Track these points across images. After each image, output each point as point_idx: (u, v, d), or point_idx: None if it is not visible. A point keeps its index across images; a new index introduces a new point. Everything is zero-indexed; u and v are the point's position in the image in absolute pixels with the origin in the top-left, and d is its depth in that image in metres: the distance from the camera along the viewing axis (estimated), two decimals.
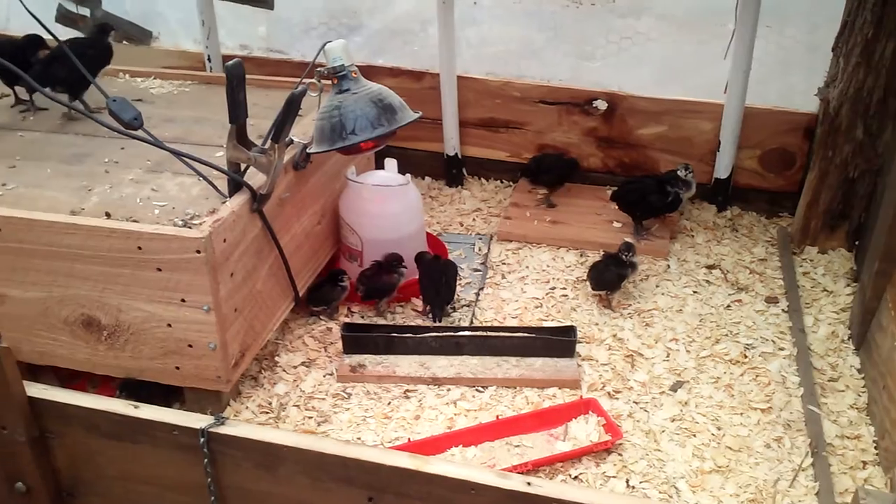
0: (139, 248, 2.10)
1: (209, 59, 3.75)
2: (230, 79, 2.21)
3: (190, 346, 2.21)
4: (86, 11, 3.91)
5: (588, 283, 2.91)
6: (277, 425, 2.36)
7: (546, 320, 2.84)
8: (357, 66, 3.46)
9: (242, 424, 1.41)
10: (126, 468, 1.47)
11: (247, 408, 2.42)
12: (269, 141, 2.28)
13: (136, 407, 1.42)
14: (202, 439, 1.38)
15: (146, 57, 3.80)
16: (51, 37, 2.74)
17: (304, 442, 1.38)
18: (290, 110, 2.24)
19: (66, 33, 4.02)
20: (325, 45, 2.52)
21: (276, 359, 2.63)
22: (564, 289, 3.01)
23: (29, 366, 2.36)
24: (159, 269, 2.12)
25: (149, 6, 4.02)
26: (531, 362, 2.59)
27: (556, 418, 2.37)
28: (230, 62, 2.22)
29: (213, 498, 1.43)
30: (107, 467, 1.48)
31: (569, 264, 3.16)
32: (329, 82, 2.53)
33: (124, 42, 3.93)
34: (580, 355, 2.64)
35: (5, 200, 2.29)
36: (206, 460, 1.40)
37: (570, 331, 2.65)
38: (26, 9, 2.60)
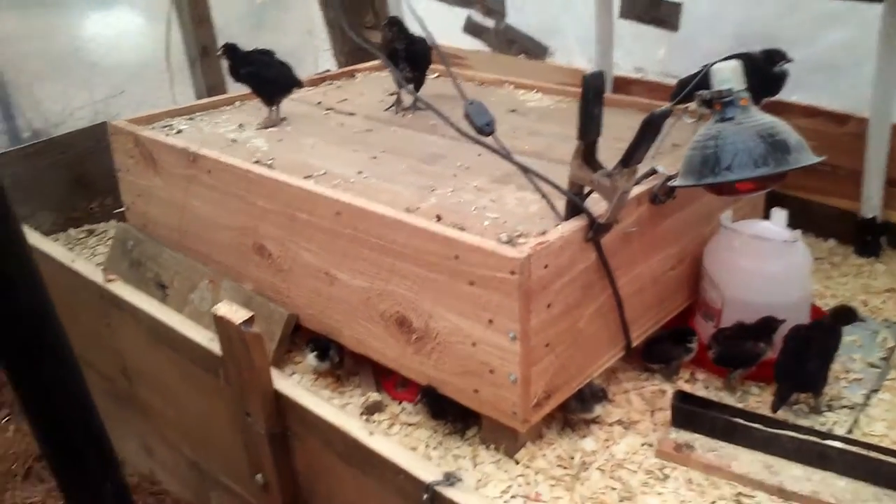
0: (456, 256, 1.93)
1: None
2: (586, 90, 1.93)
3: (491, 371, 1.98)
4: (490, 23, 3.99)
5: None
6: (573, 486, 2.01)
7: None
8: (766, 101, 2.99)
9: (474, 495, 1.10)
10: (355, 496, 1.28)
11: (544, 455, 2.11)
12: (619, 165, 1.95)
13: (370, 434, 1.20)
14: (425, 496, 1.11)
15: (537, 71, 3.72)
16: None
17: None
18: (647, 133, 1.88)
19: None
20: (712, 64, 2.10)
21: None
22: None
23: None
24: (472, 283, 1.92)
25: (550, 21, 3.96)
26: None
27: None
28: (590, 72, 1.94)
29: None
30: (337, 488, 1.30)
31: None
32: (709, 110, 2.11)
33: (522, 55, 3.92)
34: None
35: (354, 187, 2.31)
36: None
37: None
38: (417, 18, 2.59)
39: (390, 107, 3.05)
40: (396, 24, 3.02)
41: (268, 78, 2.80)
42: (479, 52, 4.10)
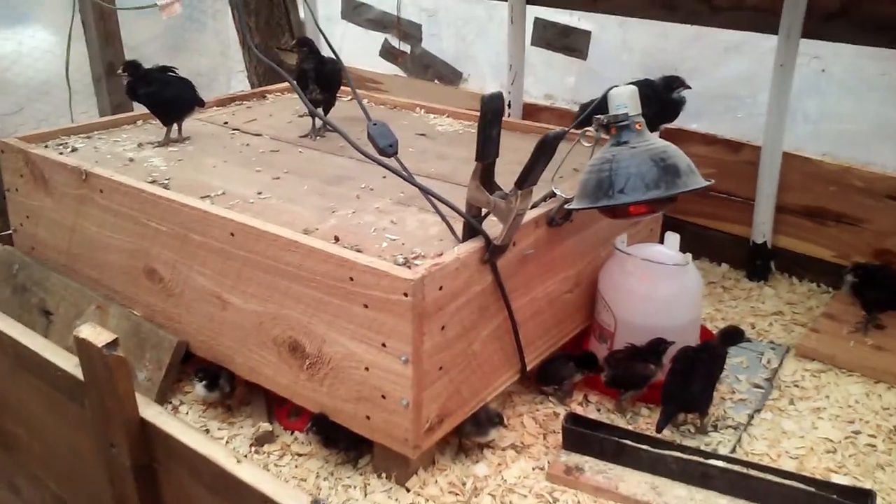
0: (351, 278, 1.92)
1: (509, 105, 3.60)
2: (484, 112, 1.96)
3: (383, 396, 1.97)
4: (406, 48, 4.01)
5: None
6: None
7: (836, 473, 2.14)
8: (666, 128, 3.09)
9: None
10: None
11: (436, 482, 2.10)
12: (514, 187, 1.98)
13: (237, 461, 1.17)
14: None
15: (450, 96, 3.77)
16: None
17: None
18: (542, 154, 1.91)
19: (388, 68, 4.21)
20: (609, 89, 2.17)
21: None
22: (873, 437, 2.27)
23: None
24: (366, 306, 1.92)
25: (465, 47, 4.01)
26: None
27: None
28: (489, 94, 1.97)
29: None
30: None
31: (887, 406, 2.39)
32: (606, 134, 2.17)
33: (435, 80, 3.95)
34: None
35: (251, 208, 2.28)
36: None
37: (866, 496, 1.94)
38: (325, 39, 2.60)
39: (306, 134, 3.00)
40: (306, 45, 3.01)
41: (167, 98, 2.74)
42: (395, 77, 4.13)
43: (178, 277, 2.31)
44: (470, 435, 2.19)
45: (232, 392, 2.33)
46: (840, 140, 3.06)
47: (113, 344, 1.20)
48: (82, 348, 1.23)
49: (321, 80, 2.96)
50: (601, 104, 2.24)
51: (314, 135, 3.00)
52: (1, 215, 2.91)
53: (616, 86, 2.18)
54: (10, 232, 2.82)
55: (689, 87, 2.83)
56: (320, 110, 2.92)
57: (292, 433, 2.27)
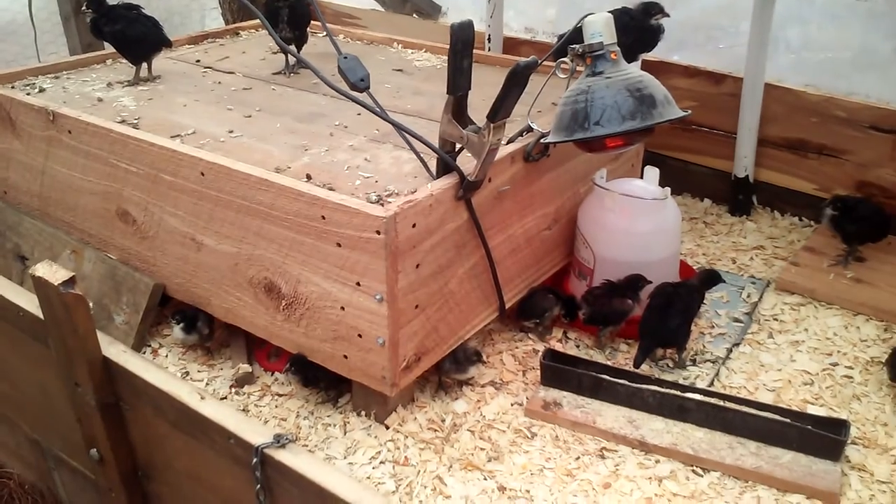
0: (323, 217, 1.89)
1: (489, 40, 3.52)
2: (454, 42, 1.90)
3: (359, 335, 1.96)
4: None
5: (886, 370, 2.18)
6: (443, 449, 2.03)
7: (813, 404, 2.16)
8: (647, 60, 3.03)
9: (305, 454, 1.09)
10: (192, 465, 1.24)
11: (415, 419, 2.12)
12: (486, 120, 1.94)
13: (201, 398, 1.16)
14: (255, 459, 1.09)
15: (429, 31, 3.68)
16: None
17: (370, 501, 1.01)
18: (513, 85, 1.86)
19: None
20: (584, 17, 2.10)
21: None
22: (850, 368, 2.28)
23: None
24: (339, 245, 1.89)
25: None
26: (776, 454, 1.97)
27: None
28: (459, 22, 1.91)
29: None
30: (175, 459, 1.26)
31: (865, 338, 2.41)
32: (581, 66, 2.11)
33: (414, 14, 3.86)
34: (849, 461, 1.96)
35: (222, 147, 2.23)
36: (258, 486, 1.10)
37: (840, 426, 1.96)
38: None
39: (279, 72, 2.93)
40: None
41: (132, 37, 2.66)
42: (373, 11, 4.03)
43: (150, 219, 2.28)
44: (449, 372, 2.20)
45: (211, 334, 2.32)
46: (822, 69, 3.01)
47: (70, 282, 1.18)
48: (39, 287, 1.21)
49: (291, 17, 2.89)
50: (576, 34, 2.18)
51: (288, 72, 2.93)
52: None
53: (591, 13, 2.11)
54: None
55: (668, 15, 2.76)
56: (292, 47, 2.86)
57: (272, 374, 2.28)
